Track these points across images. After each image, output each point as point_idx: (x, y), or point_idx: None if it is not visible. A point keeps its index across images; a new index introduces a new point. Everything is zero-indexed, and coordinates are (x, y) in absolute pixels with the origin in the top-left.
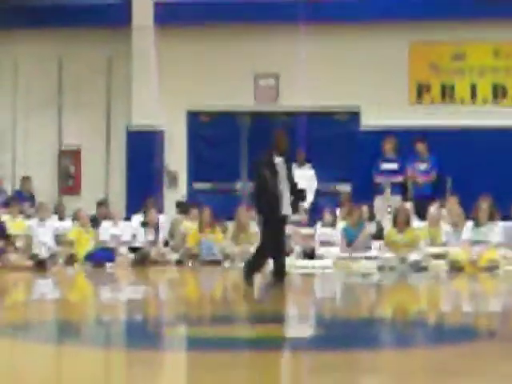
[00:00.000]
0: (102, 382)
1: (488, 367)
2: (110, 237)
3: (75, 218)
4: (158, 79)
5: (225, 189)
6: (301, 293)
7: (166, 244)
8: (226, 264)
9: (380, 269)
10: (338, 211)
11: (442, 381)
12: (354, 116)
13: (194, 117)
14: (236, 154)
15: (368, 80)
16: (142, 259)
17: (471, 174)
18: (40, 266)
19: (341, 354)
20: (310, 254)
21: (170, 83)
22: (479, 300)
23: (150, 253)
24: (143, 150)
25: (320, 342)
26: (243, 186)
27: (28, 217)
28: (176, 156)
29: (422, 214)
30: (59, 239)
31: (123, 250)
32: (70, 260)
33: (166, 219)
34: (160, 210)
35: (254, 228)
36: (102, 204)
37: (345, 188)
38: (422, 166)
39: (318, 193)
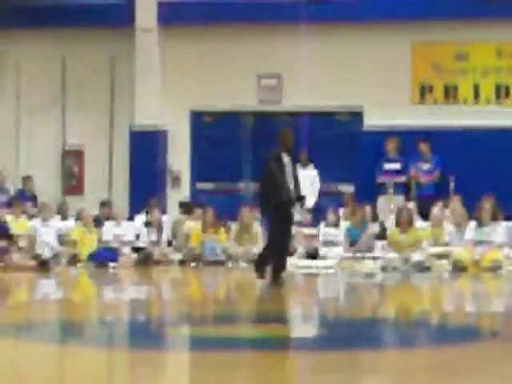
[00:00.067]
0: (105, 382)
1: (490, 367)
2: (113, 237)
3: (78, 218)
4: (161, 79)
5: (228, 189)
6: (304, 293)
7: (169, 244)
8: (229, 264)
9: (383, 269)
10: (341, 211)
11: (444, 381)
12: (357, 116)
13: (197, 117)
14: (239, 154)
15: (370, 80)
16: (144, 259)
17: (474, 174)
18: (43, 266)
19: (344, 354)
20: (313, 255)
21: (173, 83)
22: (482, 300)
23: (152, 253)
24: (146, 149)
25: (323, 342)
26: (246, 186)
27: (31, 217)
28: (179, 156)
29: (425, 214)
30: (62, 239)
31: (126, 250)
32: (73, 260)
33: (168, 219)
34: (163, 210)
35: (257, 228)
36: (105, 204)
37: (348, 188)
38: (425, 166)
39: (320, 193)
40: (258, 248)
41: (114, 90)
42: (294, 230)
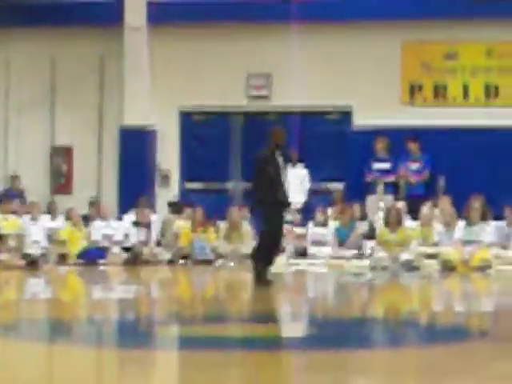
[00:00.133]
0: (93, 381)
1: (479, 367)
2: (102, 236)
3: (68, 217)
4: (150, 78)
5: (217, 188)
6: (293, 292)
7: (159, 244)
8: (218, 263)
9: (372, 268)
10: (329, 210)
11: (433, 380)
12: (346, 115)
13: (186, 116)
14: (228, 154)
15: (360, 79)
16: (134, 258)
17: (463, 174)
18: (32, 265)
19: (333, 354)
20: (302, 254)
21: (163, 82)
22: (471, 300)
23: (142, 252)
24: (135, 148)
25: (312, 342)
26: (235, 185)
27: (19, 215)
28: (168, 155)
29: (414, 214)
30: (51, 238)
31: (116, 249)
32: (62, 259)
33: (158, 219)
34: (152, 210)
35: (246, 227)
36: (94, 203)
37: (337, 187)
38: (415, 166)
39: (310, 192)
40: (246, 247)
41: (103, 88)
42: (285, 229)
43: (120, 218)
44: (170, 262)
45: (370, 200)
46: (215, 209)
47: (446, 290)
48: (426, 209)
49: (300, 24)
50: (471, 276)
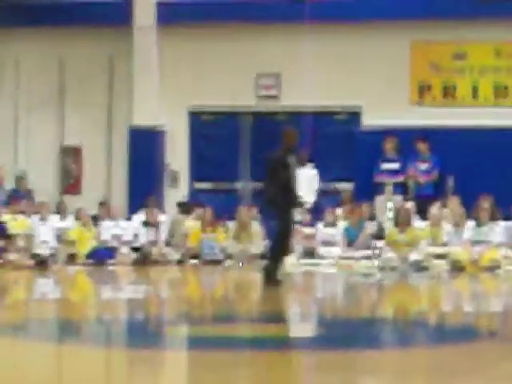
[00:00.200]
0: (102, 381)
1: (488, 367)
2: (112, 236)
3: (77, 217)
4: (159, 78)
5: (226, 188)
6: (302, 292)
7: (168, 244)
8: (227, 263)
9: (381, 268)
10: (339, 210)
11: (442, 380)
12: (355, 115)
13: (195, 116)
14: (237, 154)
15: (369, 79)
16: (143, 258)
17: (472, 174)
18: (41, 265)
19: (342, 354)
20: (311, 254)
21: (172, 82)
22: (480, 300)
23: (151, 252)
24: (144, 148)
25: (321, 342)
26: (244, 185)
27: (27, 215)
28: (177, 155)
29: (423, 214)
30: (60, 238)
31: (125, 249)
32: (71, 259)
33: (167, 219)
34: (161, 210)
35: (256, 227)
36: (103, 204)
37: (346, 187)
38: (424, 166)
39: (319, 192)
40: (255, 247)
41: (112, 88)
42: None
43: (129, 218)
44: (179, 262)
45: (379, 200)
46: (224, 209)
47: (454, 290)
48: (435, 209)
49: (309, 24)
50: (480, 276)
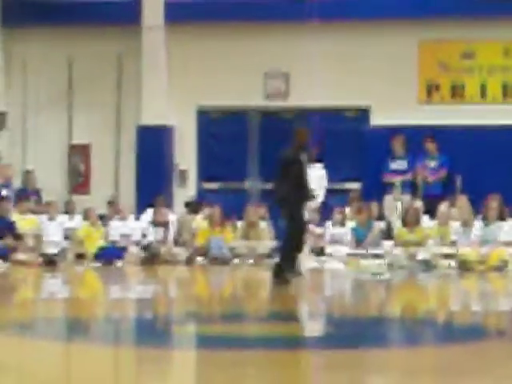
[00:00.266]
0: (111, 380)
1: (496, 366)
2: (120, 236)
3: (85, 217)
4: (168, 77)
5: (234, 187)
6: (311, 291)
7: (176, 243)
8: (236, 262)
9: (389, 267)
10: (347, 210)
11: (450, 379)
12: (364, 114)
13: (203, 115)
14: (246, 153)
15: (378, 78)
16: (151, 258)
17: (481, 173)
18: (50, 264)
19: (351, 353)
20: (319, 253)
21: (180, 81)
22: (488, 299)
23: (159, 251)
24: (153, 147)
25: (330, 340)
26: (253, 184)
27: (36, 214)
28: (186, 154)
29: (431, 213)
30: (69, 238)
31: (133, 248)
32: (80, 258)
33: (175, 218)
34: (170, 209)
35: (264, 226)
36: (111, 203)
37: (354, 186)
38: (432, 165)
39: (327, 191)
40: (264, 246)
41: (120, 87)
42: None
43: (138, 218)
44: (188, 261)
45: (388, 200)
46: (233, 208)
47: (463, 290)
48: (443, 208)
49: (318, 23)
50: (488, 275)
